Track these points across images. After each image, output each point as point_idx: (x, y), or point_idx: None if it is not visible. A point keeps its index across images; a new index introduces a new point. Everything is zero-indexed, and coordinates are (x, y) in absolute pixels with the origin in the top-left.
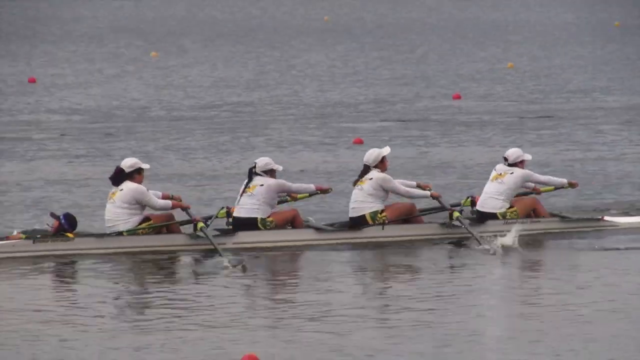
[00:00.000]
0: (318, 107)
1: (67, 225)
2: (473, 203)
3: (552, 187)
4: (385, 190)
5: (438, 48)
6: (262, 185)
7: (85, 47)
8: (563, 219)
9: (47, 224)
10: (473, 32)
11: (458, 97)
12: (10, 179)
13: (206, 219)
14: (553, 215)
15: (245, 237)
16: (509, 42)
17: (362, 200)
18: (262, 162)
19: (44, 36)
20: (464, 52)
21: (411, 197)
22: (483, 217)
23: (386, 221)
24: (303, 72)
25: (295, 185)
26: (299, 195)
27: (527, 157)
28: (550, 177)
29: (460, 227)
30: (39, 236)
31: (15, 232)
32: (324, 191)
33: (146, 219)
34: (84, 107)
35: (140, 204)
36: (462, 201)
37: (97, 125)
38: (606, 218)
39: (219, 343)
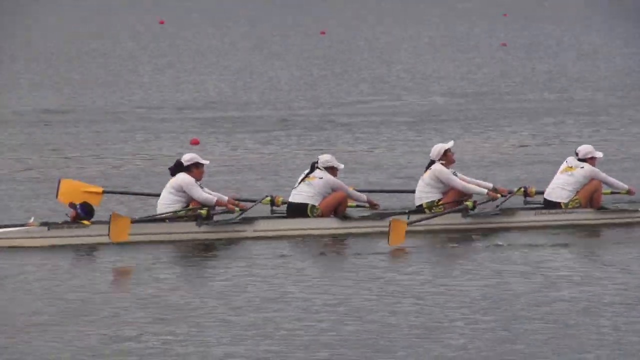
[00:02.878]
0: None
1: (83, 213)
2: (526, 193)
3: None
4: (442, 182)
5: None
6: (321, 178)
7: None
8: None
9: (66, 214)
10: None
11: None
12: None
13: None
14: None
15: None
16: None
17: (421, 190)
18: (324, 158)
19: None
20: None
21: (467, 192)
22: (549, 205)
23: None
24: None
25: (350, 191)
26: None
27: (598, 154)
28: (615, 180)
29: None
30: (57, 222)
31: (32, 219)
32: (372, 205)
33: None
34: None
35: (186, 193)
36: (515, 190)
37: None
38: None
39: None
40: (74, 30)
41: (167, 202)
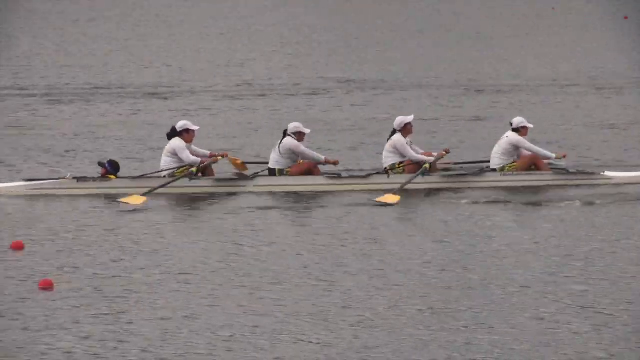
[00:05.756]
0: None
1: (110, 169)
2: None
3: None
4: (398, 150)
5: None
6: (282, 144)
7: None
8: (559, 172)
9: (98, 172)
10: None
11: None
12: None
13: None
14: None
15: (263, 182)
16: None
17: (385, 156)
18: (292, 125)
19: None
20: None
21: (418, 161)
22: (491, 171)
23: (402, 171)
24: None
25: (306, 151)
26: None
27: (529, 125)
28: (539, 148)
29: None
30: (83, 176)
31: (68, 175)
32: (330, 163)
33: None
34: None
35: (177, 155)
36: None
37: None
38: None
39: None
40: None
41: (164, 163)
